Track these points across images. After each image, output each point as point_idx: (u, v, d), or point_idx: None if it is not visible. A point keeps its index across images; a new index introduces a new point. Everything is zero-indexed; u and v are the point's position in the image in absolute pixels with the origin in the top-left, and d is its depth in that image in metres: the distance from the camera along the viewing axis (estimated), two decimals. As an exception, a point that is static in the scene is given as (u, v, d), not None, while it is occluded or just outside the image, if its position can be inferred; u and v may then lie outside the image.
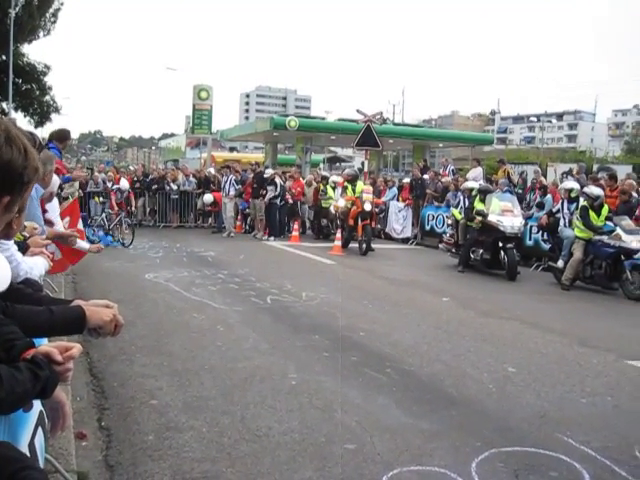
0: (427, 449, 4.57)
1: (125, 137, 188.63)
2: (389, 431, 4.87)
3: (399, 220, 20.90)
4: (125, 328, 2.43)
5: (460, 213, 15.16)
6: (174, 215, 22.83)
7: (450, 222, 16.35)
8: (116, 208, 18.10)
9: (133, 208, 20.69)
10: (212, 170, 25.04)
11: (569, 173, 17.81)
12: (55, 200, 6.87)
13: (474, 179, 17.92)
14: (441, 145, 39.86)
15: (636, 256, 11.68)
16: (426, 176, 20.92)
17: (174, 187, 22.82)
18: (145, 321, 8.13)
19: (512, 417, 5.34)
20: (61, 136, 9.07)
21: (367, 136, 20.79)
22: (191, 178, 23.63)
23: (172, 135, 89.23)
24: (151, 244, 16.94)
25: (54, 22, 35.21)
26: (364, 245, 16.43)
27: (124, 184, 19.49)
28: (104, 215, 17.68)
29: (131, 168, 26.63)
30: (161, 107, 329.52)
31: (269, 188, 19.66)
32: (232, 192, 20.68)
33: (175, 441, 4.53)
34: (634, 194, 13.71)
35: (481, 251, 14.03)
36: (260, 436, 4.66)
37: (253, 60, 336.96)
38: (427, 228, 19.84)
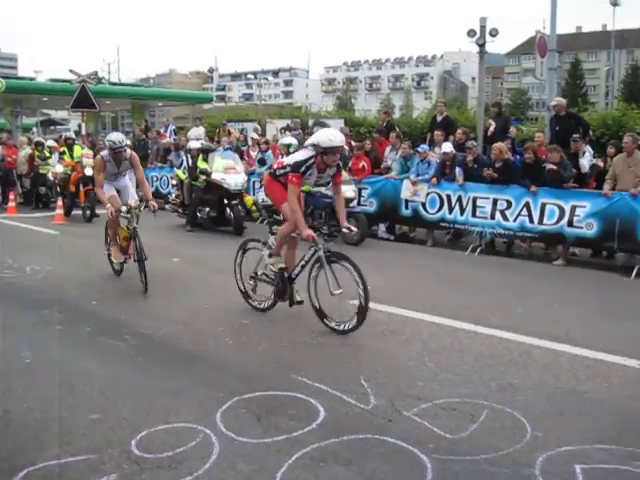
0: (172, 407, 4.70)
1: None
2: (132, 395, 4.92)
3: (122, 183, 20.43)
4: None
5: (184, 173, 15.19)
6: None
7: (175, 183, 16.31)
8: None
9: None
10: None
11: (287, 129, 18.53)
12: None
13: (196, 138, 18.01)
14: (160, 104, 39.39)
15: (351, 204, 12.64)
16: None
17: None
18: None
19: (250, 365, 5.65)
20: None
21: (83, 97, 20.05)
22: None
23: None
24: None
25: None
26: (88, 211, 15.88)
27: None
28: None
29: None
30: None
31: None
32: None
33: None
34: (346, 147, 14.69)
35: (207, 209, 14.29)
36: (-3, 420, 4.48)
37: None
38: (152, 190, 19.63)
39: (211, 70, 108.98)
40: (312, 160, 6.88)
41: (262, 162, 15.87)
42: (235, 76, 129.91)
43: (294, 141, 14.25)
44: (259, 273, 7.57)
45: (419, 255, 12.08)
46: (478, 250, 12.07)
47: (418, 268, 10.68)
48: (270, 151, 16.11)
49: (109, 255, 9.43)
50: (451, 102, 38.54)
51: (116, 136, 9.10)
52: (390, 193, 13.38)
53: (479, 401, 4.89)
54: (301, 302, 7.20)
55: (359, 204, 13.37)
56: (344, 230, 7.16)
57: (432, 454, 4.05)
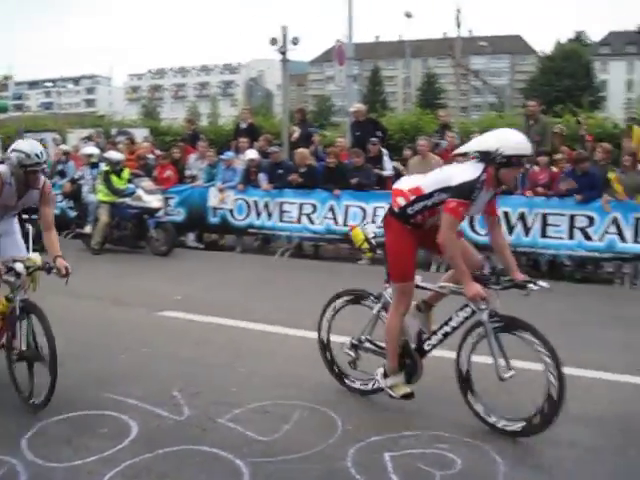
0: (-30, 438, 4.41)
1: None
2: None
3: None
4: None
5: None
6: None
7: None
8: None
9: None
10: None
11: (89, 138, 17.90)
12: None
13: (-10, 150, 16.94)
14: (-52, 114, 36.69)
15: (158, 214, 12.47)
16: None
17: None
18: None
19: (59, 386, 5.38)
20: None
21: None
22: None
23: None
24: None
25: None
26: None
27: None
28: None
29: None
30: None
31: None
32: None
33: None
34: (150, 156, 14.46)
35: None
36: None
37: None
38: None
39: (6, 77, 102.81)
40: (483, 177, 4.42)
41: (62, 174, 15.18)
42: (33, 84, 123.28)
43: (96, 151, 13.87)
44: (363, 339, 5.29)
45: (229, 262, 12.14)
46: (287, 254, 12.33)
47: (228, 275, 10.74)
48: (72, 162, 15.47)
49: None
50: (257, 109, 38.80)
51: (31, 146, 5.23)
52: (197, 201, 13.35)
53: (291, 402, 5.03)
54: (411, 395, 4.81)
55: (167, 214, 13.20)
56: (531, 287, 4.42)
57: (247, 458, 4.11)
